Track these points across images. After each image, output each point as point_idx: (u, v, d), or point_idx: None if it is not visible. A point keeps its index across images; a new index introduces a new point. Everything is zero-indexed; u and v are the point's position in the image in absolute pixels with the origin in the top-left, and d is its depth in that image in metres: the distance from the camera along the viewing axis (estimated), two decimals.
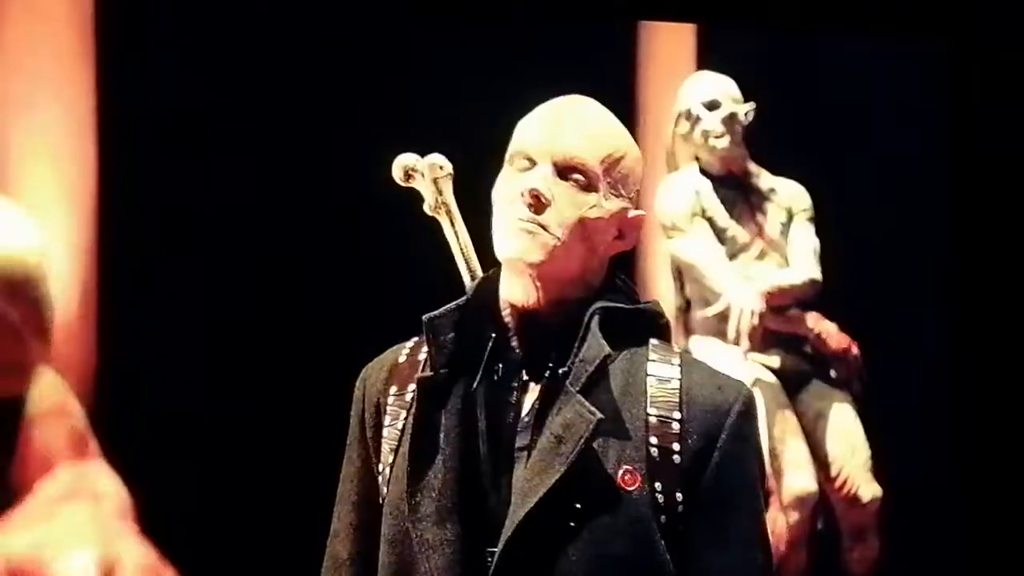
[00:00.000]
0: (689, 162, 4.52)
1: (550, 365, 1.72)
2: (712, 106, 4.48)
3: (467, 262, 2.03)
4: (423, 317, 1.77)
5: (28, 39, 4.99)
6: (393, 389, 1.78)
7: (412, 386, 1.75)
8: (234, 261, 5.46)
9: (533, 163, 1.75)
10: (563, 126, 1.76)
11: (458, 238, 2.04)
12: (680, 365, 1.76)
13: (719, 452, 1.69)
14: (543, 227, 1.72)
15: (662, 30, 7.77)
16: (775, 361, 4.31)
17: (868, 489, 4.33)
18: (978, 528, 6.07)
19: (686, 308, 4.41)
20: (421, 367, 1.76)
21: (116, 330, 5.33)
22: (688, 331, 4.39)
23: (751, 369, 4.19)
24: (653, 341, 1.78)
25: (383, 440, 1.77)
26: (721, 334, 4.21)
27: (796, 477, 4.15)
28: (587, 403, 1.68)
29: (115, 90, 5.31)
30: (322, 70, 6.13)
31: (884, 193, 7.88)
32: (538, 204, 1.72)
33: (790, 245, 4.43)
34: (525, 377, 1.73)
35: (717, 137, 4.43)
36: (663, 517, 1.66)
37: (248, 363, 5.40)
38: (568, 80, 6.27)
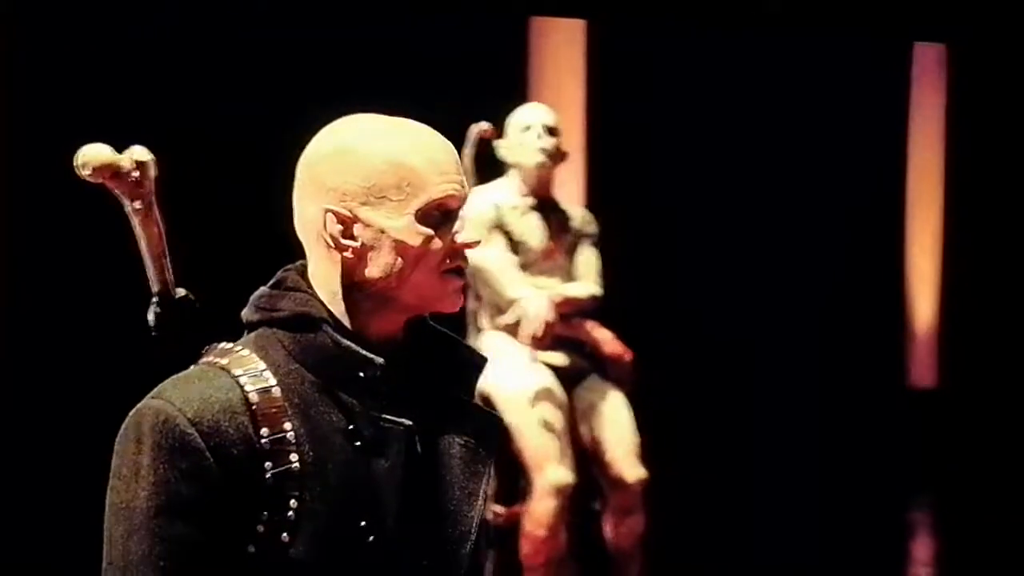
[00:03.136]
0: (504, 173, 5.00)
1: (414, 378, 1.77)
2: (551, 131, 4.93)
3: (165, 267, 1.90)
4: (377, 362, 1.71)
5: None
6: (264, 431, 1.67)
7: (288, 424, 1.68)
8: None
9: (451, 212, 1.75)
10: (457, 168, 1.76)
11: (161, 240, 1.88)
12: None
13: None
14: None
15: (553, 25, 8.21)
16: (560, 359, 4.88)
17: (634, 472, 4.86)
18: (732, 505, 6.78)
19: (477, 309, 4.97)
20: (288, 401, 1.70)
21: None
22: (479, 329, 4.97)
23: (537, 367, 4.79)
24: None
25: (269, 487, 1.66)
26: (512, 334, 4.80)
27: (557, 470, 4.66)
28: (487, 408, 1.87)
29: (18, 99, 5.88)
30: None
31: (731, 185, 8.38)
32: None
33: (576, 263, 5.00)
34: (393, 393, 1.74)
35: (549, 156, 4.91)
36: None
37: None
38: (464, 74, 6.74)
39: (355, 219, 1.71)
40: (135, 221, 1.86)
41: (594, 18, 8.22)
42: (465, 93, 6.17)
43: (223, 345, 1.76)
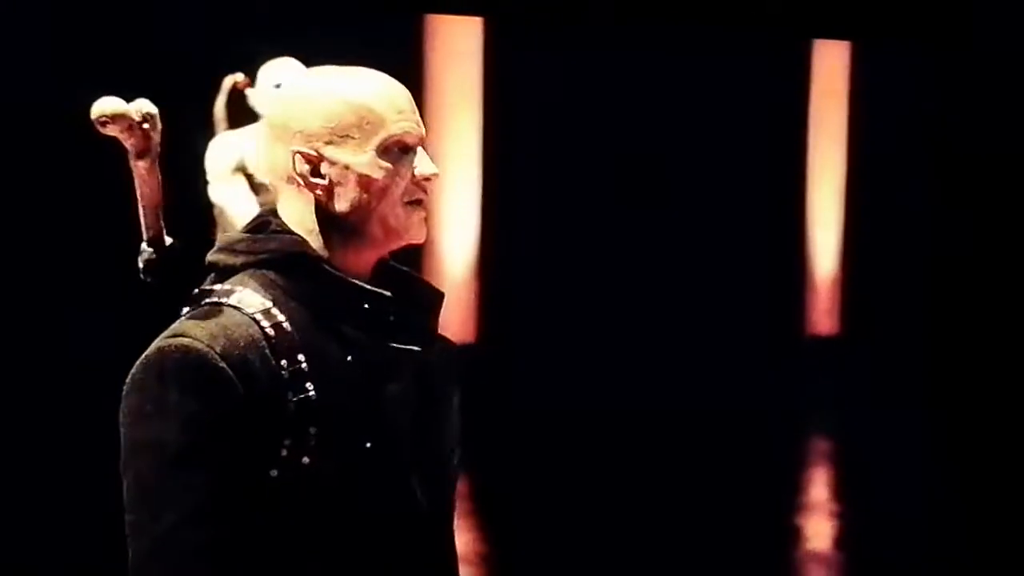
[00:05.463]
0: (246, 124, 5.31)
1: (391, 317, 1.85)
2: None
3: (160, 216, 1.96)
4: (386, 295, 1.84)
5: None
6: (284, 363, 1.76)
7: (301, 356, 1.77)
8: None
9: (409, 147, 1.85)
10: (412, 108, 1.86)
11: (159, 190, 1.95)
12: None
13: None
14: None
15: (449, 23, 8.51)
16: None
17: None
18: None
19: None
20: (286, 331, 1.78)
21: None
22: None
23: None
24: None
25: (291, 415, 1.75)
26: None
27: None
28: (447, 342, 1.97)
29: None
30: None
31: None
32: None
33: None
34: (384, 329, 1.84)
35: None
36: None
37: None
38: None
39: (321, 158, 1.81)
40: (139, 170, 1.94)
41: (491, 16, 8.49)
42: None
43: (222, 287, 1.82)
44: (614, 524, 5.99)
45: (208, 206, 5.26)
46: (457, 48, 8.45)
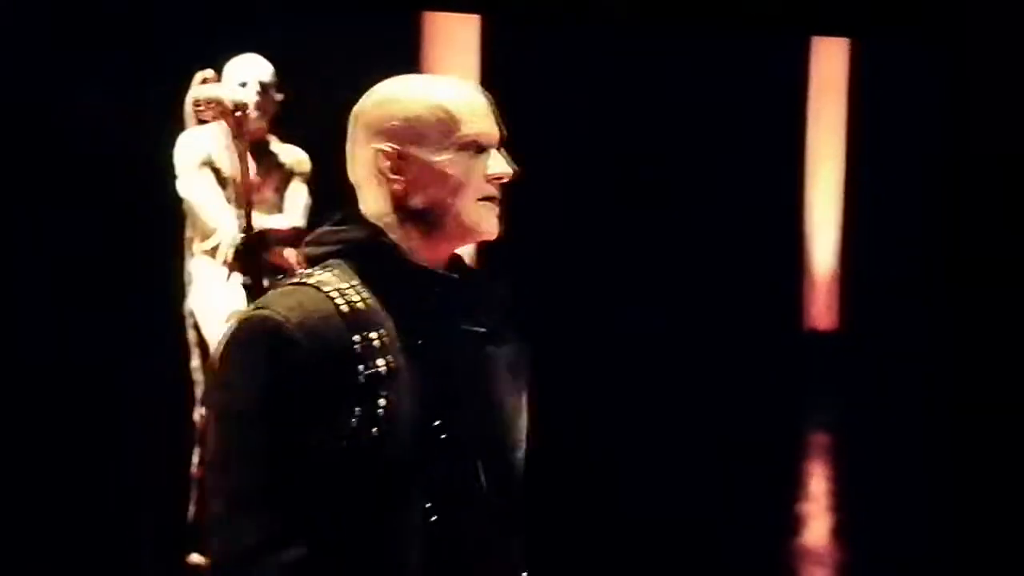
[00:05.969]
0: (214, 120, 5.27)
1: (465, 304, 1.99)
2: (266, 87, 5.31)
3: (252, 202, 2.06)
4: (453, 277, 1.98)
5: None
6: (356, 338, 1.87)
7: (373, 333, 1.88)
8: None
9: (484, 148, 1.98)
10: (488, 111, 2.01)
11: (250, 178, 2.08)
12: None
13: None
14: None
15: (447, 20, 8.54)
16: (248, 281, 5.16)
17: None
18: None
19: (192, 236, 5.37)
20: (372, 311, 1.90)
21: None
22: (191, 254, 5.38)
23: (231, 286, 5.13)
24: None
25: (362, 387, 1.84)
26: (213, 257, 5.20)
27: None
28: (517, 337, 2.09)
29: None
30: None
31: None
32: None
33: (285, 199, 5.42)
34: (454, 315, 1.97)
35: (263, 112, 5.23)
36: None
37: None
38: (357, 69, 7.13)
39: (402, 155, 1.96)
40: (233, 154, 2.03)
41: (489, 14, 8.51)
42: (359, 89, 6.49)
43: (303, 271, 1.98)
44: (615, 521, 6.01)
45: (177, 200, 5.31)
46: (455, 46, 8.49)
